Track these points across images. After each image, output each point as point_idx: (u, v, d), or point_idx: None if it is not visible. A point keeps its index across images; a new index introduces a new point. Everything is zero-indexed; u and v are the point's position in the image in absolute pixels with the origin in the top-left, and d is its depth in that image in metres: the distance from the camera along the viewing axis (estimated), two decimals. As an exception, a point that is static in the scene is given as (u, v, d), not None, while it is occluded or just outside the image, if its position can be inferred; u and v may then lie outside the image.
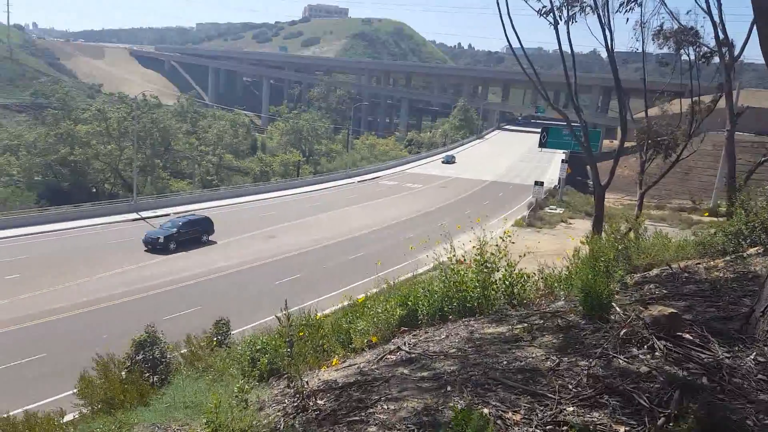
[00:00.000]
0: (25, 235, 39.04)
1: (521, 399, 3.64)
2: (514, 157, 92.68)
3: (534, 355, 4.37)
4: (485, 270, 7.00)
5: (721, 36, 24.78)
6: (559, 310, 6.16)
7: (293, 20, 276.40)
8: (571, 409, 3.51)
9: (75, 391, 10.18)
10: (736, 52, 26.24)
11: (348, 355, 6.23)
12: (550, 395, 3.63)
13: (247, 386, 4.89)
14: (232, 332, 14.61)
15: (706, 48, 25.84)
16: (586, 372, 3.89)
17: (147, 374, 11.04)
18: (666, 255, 9.91)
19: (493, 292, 6.96)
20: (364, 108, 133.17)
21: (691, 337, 4.36)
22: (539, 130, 75.13)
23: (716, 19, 24.16)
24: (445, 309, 6.82)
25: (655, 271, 8.55)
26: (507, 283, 7.10)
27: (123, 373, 10.24)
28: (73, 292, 28.74)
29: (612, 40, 22.48)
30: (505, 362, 4.32)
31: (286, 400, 4.60)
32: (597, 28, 22.82)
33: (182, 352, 11.99)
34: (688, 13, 24.47)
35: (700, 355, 4.08)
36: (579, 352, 4.33)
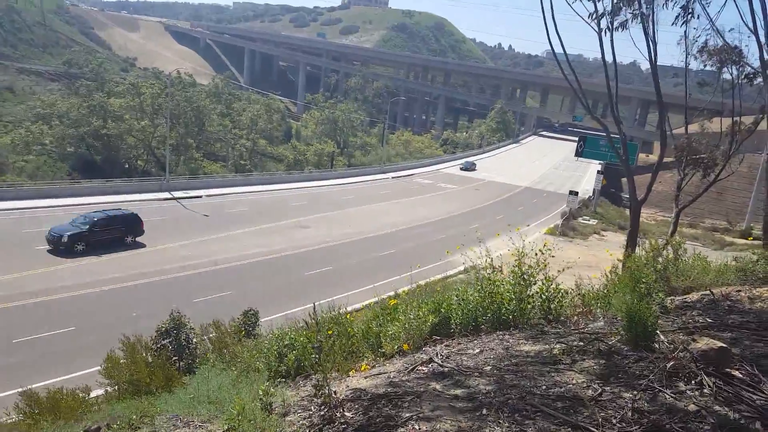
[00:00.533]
0: (54, 206, 38.77)
1: (561, 430, 3.52)
2: (549, 164, 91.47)
3: (575, 382, 4.24)
4: (522, 282, 6.86)
5: (766, 57, 23.97)
6: (598, 331, 6.00)
7: (332, 6, 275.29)
8: (615, 445, 3.38)
9: (101, 368, 10.36)
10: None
11: (377, 361, 6.17)
12: (592, 429, 3.50)
13: (272, 389, 4.83)
14: (261, 320, 14.73)
15: (750, 68, 25.07)
16: (630, 405, 3.75)
17: (174, 358, 11.18)
18: (706, 279, 9.63)
19: (529, 306, 6.83)
20: (401, 103, 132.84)
21: (741, 375, 4.17)
22: (575, 138, 73.98)
23: (762, 39, 23.36)
24: (479, 320, 6.71)
25: (695, 296, 8.28)
26: (544, 297, 6.96)
27: (149, 356, 10.38)
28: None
29: (656, 52, 22.02)
30: (544, 386, 4.19)
31: (312, 407, 4.54)
32: (639, 39, 22.16)
33: (211, 335, 12.11)
34: (731, 30, 23.51)
35: (752, 396, 3.90)
36: (622, 382, 4.18)
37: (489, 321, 6.70)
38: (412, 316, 6.57)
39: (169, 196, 46.67)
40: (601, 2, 19.77)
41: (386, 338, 6.64)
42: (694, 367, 4.16)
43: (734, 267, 9.43)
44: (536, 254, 7.06)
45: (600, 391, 4.03)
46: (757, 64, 24.05)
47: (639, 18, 21.55)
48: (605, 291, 8.45)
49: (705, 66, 26.62)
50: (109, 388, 9.92)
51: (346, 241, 39.49)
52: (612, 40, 23.19)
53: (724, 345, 4.39)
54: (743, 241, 53.54)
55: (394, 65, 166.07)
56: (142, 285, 27.38)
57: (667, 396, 3.91)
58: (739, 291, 8.61)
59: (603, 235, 49.73)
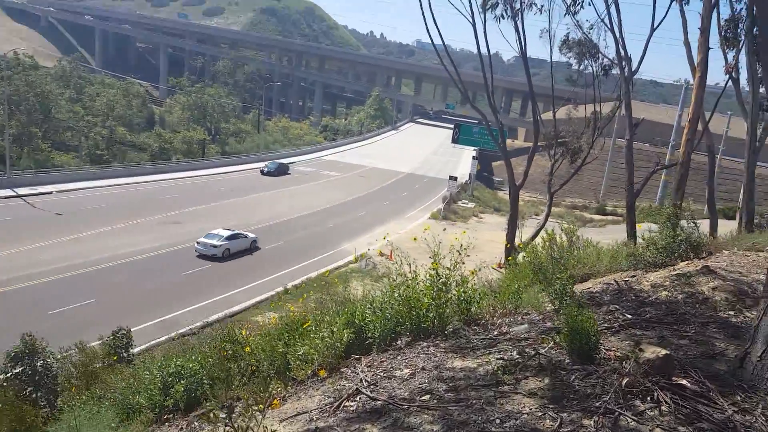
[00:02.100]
0: None
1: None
2: (428, 150, 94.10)
3: (527, 410, 3.78)
4: (441, 287, 6.38)
5: (622, 52, 26.17)
6: (525, 336, 5.69)
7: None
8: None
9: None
10: (634, 66, 27.94)
11: (288, 390, 5.35)
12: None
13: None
14: (133, 329, 13.06)
15: (607, 60, 27.24)
16: (597, 437, 3.35)
17: (29, 389, 9.42)
18: (601, 266, 9.92)
19: (447, 310, 6.38)
20: (276, 88, 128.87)
21: (690, 385, 3.97)
22: (450, 125, 76.93)
23: (617, 35, 25.40)
24: (397, 329, 6.14)
25: (598, 286, 8.42)
26: (461, 299, 6.56)
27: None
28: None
29: (525, 45, 23.18)
30: (497, 420, 3.69)
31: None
32: (507, 33, 23.21)
33: (75, 360, 10.40)
34: (592, 28, 25.35)
35: (709, 410, 3.69)
36: (577, 405, 3.80)
37: (408, 330, 6.15)
38: (325, 333, 5.82)
39: (12, 193, 41.04)
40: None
41: (296, 360, 5.84)
42: (648, 382, 3.88)
43: (626, 253, 9.80)
44: (453, 255, 6.63)
45: (559, 420, 3.60)
46: (613, 56, 26.08)
47: (511, 13, 22.47)
48: (510, 284, 8.32)
49: (569, 59, 28.54)
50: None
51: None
52: (486, 34, 23.99)
53: (668, 352, 4.18)
54: (600, 216, 59.08)
55: (266, 49, 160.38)
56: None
57: (629, 420, 3.58)
58: (634, 276, 8.92)
59: (481, 218, 52.10)
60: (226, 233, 33.26)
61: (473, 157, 67.23)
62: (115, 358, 9.43)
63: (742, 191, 20.29)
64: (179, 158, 66.26)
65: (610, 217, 58.12)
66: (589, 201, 68.88)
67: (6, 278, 25.76)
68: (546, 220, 25.53)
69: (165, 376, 6.49)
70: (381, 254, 34.47)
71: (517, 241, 22.54)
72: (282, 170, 63.17)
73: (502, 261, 25.49)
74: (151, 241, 33.95)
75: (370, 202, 52.53)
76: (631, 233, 21.66)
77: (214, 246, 32.03)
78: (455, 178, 59.13)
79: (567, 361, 4.53)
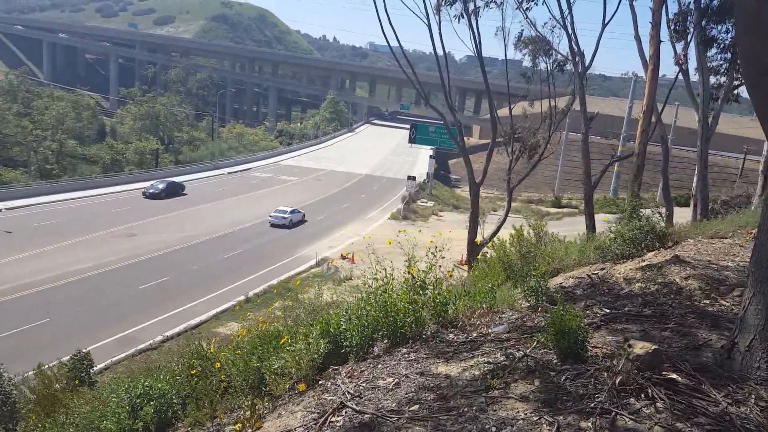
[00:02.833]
0: None
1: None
2: (384, 151, 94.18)
3: (523, 415, 3.64)
4: (417, 290, 6.22)
5: (575, 48, 26.73)
6: (505, 337, 5.58)
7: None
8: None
9: None
10: (587, 62, 28.59)
11: (267, 408, 5.09)
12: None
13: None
14: (91, 347, 12.48)
15: (560, 56, 27.81)
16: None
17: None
18: (570, 260, 9.95)
19: (423, 314, 6.22)
20: (230, 95, 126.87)
21: (681, 379, 3.91)
22: (405, 125, 77.23)
23: (570, 31, 25.92)
24: (374, 336, 5.94)
25: (570, 281, 8.41)
26: (437, 302, 6.41)
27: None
28: None
29: (480, 44, 23.47)
30: (492, 428, 3.54)
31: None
32: (461, 32, 23.61)
33: (32, 385, 9.80)
34: (545, 25, 25.87)
35: (703, 404, 3.63)
36: (572, 407, 3.68)
37: (385, 336, 5.96)
38: (301, 345, 5.57)
39: (-44, 211, 39.04)
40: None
41: (271, 375, 5.57)
42: (640, 378, 3.81)
43: (593, 246, 9.85)
44: (428, 255, 6.49)
45: (556, 425, 3.48)
46: (566, 52, 26.63)
47: (466, 12, 22.70)
48: (481, 282, 8.24)
49: (523, 56, 29.00)
50: None
51: (185, 246, 36.30)
52: (441, 35, 24.14)
53: (656, 347, 4.12)
54: (556, 209, 60.22)
55: (217, 56, 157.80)
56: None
57: (627, 419, 3.48)
58: (603, 269, 8.96)
59: (441, 216, 52.36)
60: (289, 209, 44.55)
61: (430, 156, 67.69)
62: (77, 381, 8.92)
63: (695, 179, 20.94)
64: (132, 169, 64.32)
65: (566, 210, 59.38)
66: (545, 194, 70.19)
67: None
68: (506, 215, 25.76)
69: (132, 397, 6.12)
70: (343, 257, 34.24)
71: (478, 238, 22.68)
72: (172, 191, 51.32)
73: (464, 258, 25.63)
74: (105, 255, 32.72)
75: (329, 205, 52.15)
76: (591, 225, 22.09)
77: (284, 217, 42.96)
78: (413, 178, 59.36)
79: (555, 361, 4.42)
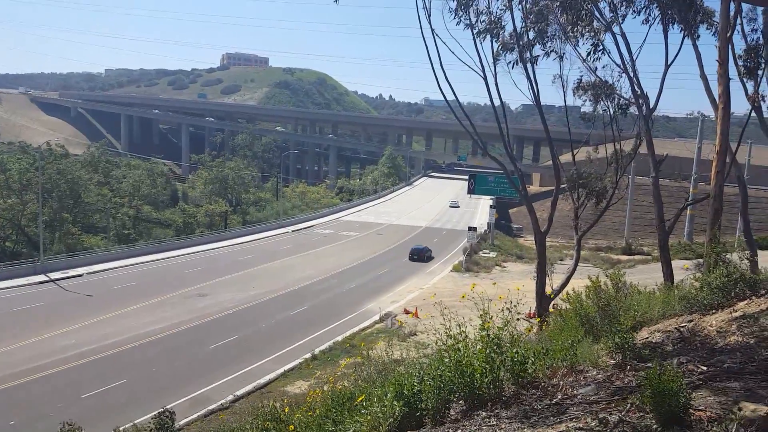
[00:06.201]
0: None
1: None
2: (443, 203, 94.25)
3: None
4: (495, 348, 5.96)
5: (638, 90, 26.18)
6: (593, 399, 5.23)
7: (211, 67, 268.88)
8: None
9: None
10: (652, 104, 27.88)
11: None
12: None
13: None
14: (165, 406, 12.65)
15: (623, 99, 27.23)
16: None
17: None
18: (654, 313, 9.35)
19: (501, 373, 5.93)
20: (293, 156, 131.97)
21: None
22: (463, 176, 77.22)
23: (631, 74, 25.49)
24: (450, 397, 5.70)
25: (657, 335, 7.88)
26: (515, 360, 6.11)
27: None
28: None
29: (538, 92, 23.35)
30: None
31: None
32: (521, 82, 23.67)
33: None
34: (604, 67, 25.52)
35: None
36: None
37: (461, 398, 5.71)
38: (377, 408, 5.42)
39: (46, 278, 41.60)
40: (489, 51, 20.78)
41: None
42: (756, 446, 3.43)
43: (678, 296, 9.25)
44: (504, 312, 6.26)
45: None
46: (628, 95, 26.06)
47: (522, 61, 22.80)
48: (559, 338, 7.84)
49: (583, 101, 28.58)
50: None
51: (252, 304, 37.07)
52: (497, 85, 24.29)
53: (769, 409, 3.73)
54: (627, 257, 57.53)
55: (281, 120, 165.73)
56: (12, 388, 23.38)
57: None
58: (691, 320, 8.37)
59: (504, 267, 51.20)
60: (422, 246, 53.88)
61: (491, 206, 66.92)
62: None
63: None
64: (203, 231, 67.08)
65: (638, 257, 56.66)
66: (613, 241, 67.46)
67: (35, 365, 25.62)
68: (576, 264, 24.83)
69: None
70: (406, 312, 33.87)
71: (547, 289, 21.83)
72: None
73: (533, 310, 24.67)
74: (179, 315, 33.84)
75: (390, 260, 52.17)
76: (668, 273, 20.84)
77: (423, 251, 52.42)
78: (474, 229, 58.64)
79: (655, 426, 4.07)
